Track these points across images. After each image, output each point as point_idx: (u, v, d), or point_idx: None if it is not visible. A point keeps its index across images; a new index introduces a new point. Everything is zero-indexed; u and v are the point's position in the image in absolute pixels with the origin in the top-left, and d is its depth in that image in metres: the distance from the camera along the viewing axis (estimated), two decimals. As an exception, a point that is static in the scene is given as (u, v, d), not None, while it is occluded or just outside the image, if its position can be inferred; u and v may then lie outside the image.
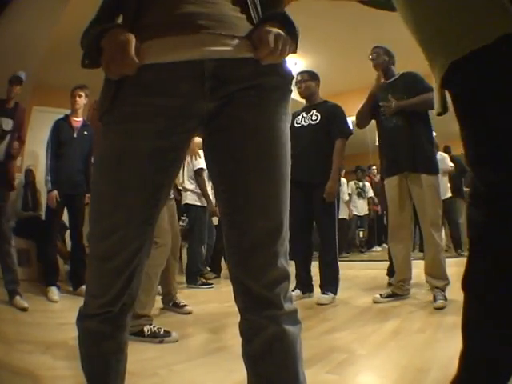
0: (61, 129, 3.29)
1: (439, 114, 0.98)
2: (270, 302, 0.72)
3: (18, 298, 2.61)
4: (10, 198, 3.05)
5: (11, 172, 2.86)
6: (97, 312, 0.77)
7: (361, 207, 6.96)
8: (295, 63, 4.90)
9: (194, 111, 0.74)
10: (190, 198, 3.89)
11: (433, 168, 2.69)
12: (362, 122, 2.95)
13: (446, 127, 3.39)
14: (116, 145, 0.74)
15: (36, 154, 4.56)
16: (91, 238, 0.77)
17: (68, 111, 3.44)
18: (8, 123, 2.76)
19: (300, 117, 3.07)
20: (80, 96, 3.31)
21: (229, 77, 0.73)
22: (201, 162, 3.65)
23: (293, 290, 2.92)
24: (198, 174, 3.81)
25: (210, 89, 0.73)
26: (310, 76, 3.08)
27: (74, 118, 3.35)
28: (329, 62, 4.32)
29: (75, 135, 3.30)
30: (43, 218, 4.19)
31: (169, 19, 0.74)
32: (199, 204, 3.90)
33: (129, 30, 0.72)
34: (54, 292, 3.03)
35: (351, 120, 3.17)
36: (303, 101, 3.15)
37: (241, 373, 0.76)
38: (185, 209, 4.00)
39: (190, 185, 3.88)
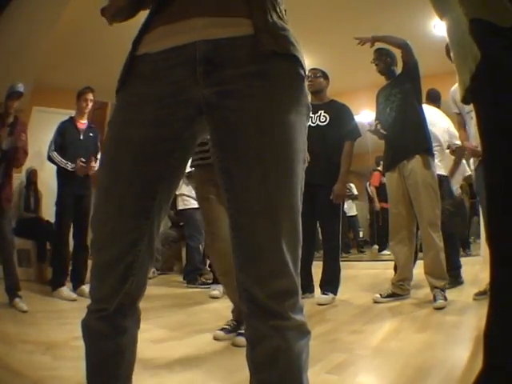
0: (66, 130, 3.30)
1: None
2: (276, 313, 0.68)
3: (17, 300, 2.60)
4: (13, 200, 3.05)
5: (7, 192, 2.83)
6: (94, 308, 0.76)
7: (350, 207, 6.93)
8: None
9: (187, 98, 0.71)
10: (181, 204, 4.14)
11: (423, 145, 2.69)
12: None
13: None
14: (114, 135, 0.75)
15: (36, 154, 4.56)
16: (91, 228, 0.77)
17: (67, 111, 3.45)
18: (7, 143, 2.73)
19: None
20: (89, 100, 3.32)
21: (224, 60, 0.70)
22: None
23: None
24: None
25: (202, 73, 0.70)
26: (321, 73, 3.10)
27: (80, 121, 3.37)
28: (331, 61, 4.31)
29: (81, 137, 3.33)
30: (44, 218, 4.23)
31: (170, 9, 0.74)
32: (191, 206, 4.06)
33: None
34: (67, 291, 3.06)
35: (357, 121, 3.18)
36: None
37: (241, 372, 0.76)
38: (180, 214, 4.29)
39: (181, 189, 4.09)
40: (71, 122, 3.37)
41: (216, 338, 1.94)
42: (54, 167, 3.32)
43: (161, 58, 0.72)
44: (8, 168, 2.80)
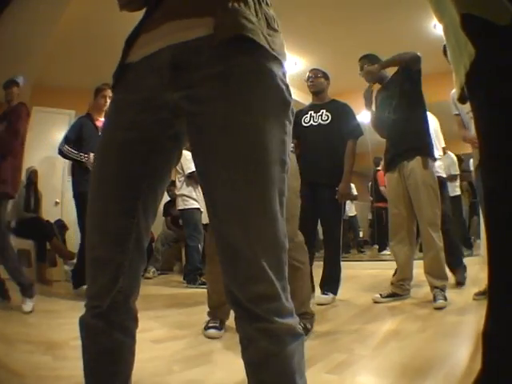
0: (84, 126, 3.24)
1: None
2: (258, 316, 0.67)
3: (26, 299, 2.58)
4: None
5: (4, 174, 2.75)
6: (89, 305, 0.77)
7: (349, 208, 6.91)
8: (295, 63, 4.89)
9: (161, 103, 0.74)
10: (181, 204, 4.13)
11: (423, 146, 2.68)
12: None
13: (449, 127, 3.40)
14: (102, 138, 0.81)
15: (36, 154, 4.56)
16: (85, 227, 0.80)
17: (67, 111, 3.42)
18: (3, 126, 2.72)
19: (308, 116, 3.03)
20: (108, 97, 3.25)
21: (189, 63, 0.70)
22: (191, 167, 3.97)
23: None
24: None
25: (171, 79, 0.72)
26: (322, 73, 3.08)
27: (99, 118, 3.30)
28: (329, 61, 4.32)
29: (100, 134, 3.27)
30: (44, 218, 4.22)
31: (152, 17, 0.79)
32: (190, 206, 4.09)
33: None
34: None
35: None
36: (303, 101, 3.15)
37: (241, 373, 0.76)
38: (180, 214, 4.29)
39: (181, 190, 4.13)
40: (89, 118, 3.29)
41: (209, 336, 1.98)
42: (60, 168, 3.28)
43: (139, 66, 0.77)
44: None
